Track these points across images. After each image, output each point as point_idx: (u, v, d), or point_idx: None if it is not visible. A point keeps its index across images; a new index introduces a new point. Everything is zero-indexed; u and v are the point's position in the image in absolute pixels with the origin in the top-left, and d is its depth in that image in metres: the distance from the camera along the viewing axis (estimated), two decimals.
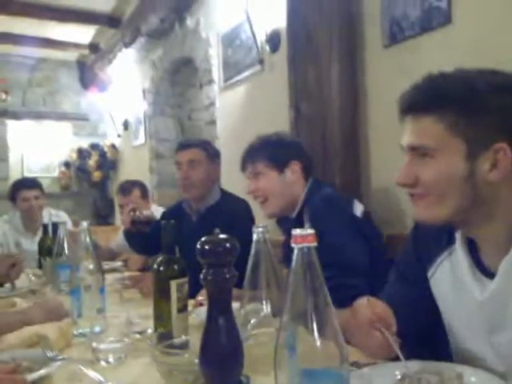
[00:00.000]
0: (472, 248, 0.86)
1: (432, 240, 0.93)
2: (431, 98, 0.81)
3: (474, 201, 0.79)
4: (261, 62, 2.67)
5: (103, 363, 0.92)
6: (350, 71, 2.02)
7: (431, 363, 0.80)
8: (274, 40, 2.54)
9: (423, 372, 0.75)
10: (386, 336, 0.77)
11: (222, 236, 0.62)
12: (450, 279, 0.89)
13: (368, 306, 0.81)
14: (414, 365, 0.78)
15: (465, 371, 0.76)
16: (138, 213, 2.01)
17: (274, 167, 1.54)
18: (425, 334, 0.97)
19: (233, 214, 1.85)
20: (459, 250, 0.87)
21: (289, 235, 0.54)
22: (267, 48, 2.59)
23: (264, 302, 0.79)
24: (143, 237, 2.03)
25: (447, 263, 0.90)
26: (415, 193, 0.83)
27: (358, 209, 1.49)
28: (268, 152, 1.55)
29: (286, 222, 1.57)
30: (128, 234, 2.14)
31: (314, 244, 0.53)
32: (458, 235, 0.87)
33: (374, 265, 1.39)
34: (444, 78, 0.82)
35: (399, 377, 0.75)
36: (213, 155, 2.04)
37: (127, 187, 2.77)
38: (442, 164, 0.79)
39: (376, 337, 0.79)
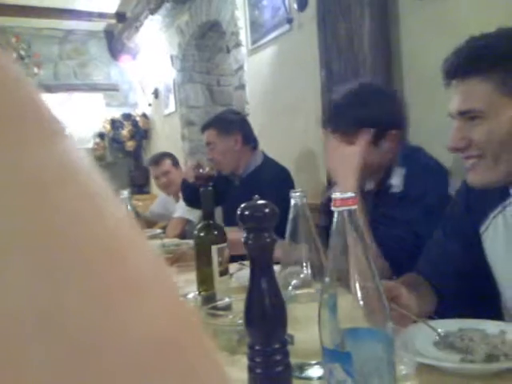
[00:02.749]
0: None
1: (484, 195, 0.91)
2: (476, 59, 0.78)
3: None
4: (289, 21, 2.60)
5: None
6: (382, 26, 1.95)
7: (474, 320, 0.80)
8: None
9: (465, 329, 0.75)
10: (396, 309, 0.77)
11: (262, 201, 0.63)
12: (504, 234, 0.88)
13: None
14: (456, 322, 0.79)
15: (508, 328, 0.76)
16: (201, 170, 2.09)
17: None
18: (470, 292, 0.97)
19: (272, 180, 1.87)
20: None
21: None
22: (295, 6, 2.52)
23: (304, 265, 0.80)
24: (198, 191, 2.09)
25: (501, 218, 0.89)
26: (470, 155, 0.82)
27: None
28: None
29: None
30: (188, 189, 2.21)
31: (355, 207, 0.53)
32: None
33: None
34: (487, 39, 0.79)
35: (441, 334, 0.75)
36: (224, 130, 2.03)
37: (158, 158, 2.98)
38: (493, 124, 0.78)
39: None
